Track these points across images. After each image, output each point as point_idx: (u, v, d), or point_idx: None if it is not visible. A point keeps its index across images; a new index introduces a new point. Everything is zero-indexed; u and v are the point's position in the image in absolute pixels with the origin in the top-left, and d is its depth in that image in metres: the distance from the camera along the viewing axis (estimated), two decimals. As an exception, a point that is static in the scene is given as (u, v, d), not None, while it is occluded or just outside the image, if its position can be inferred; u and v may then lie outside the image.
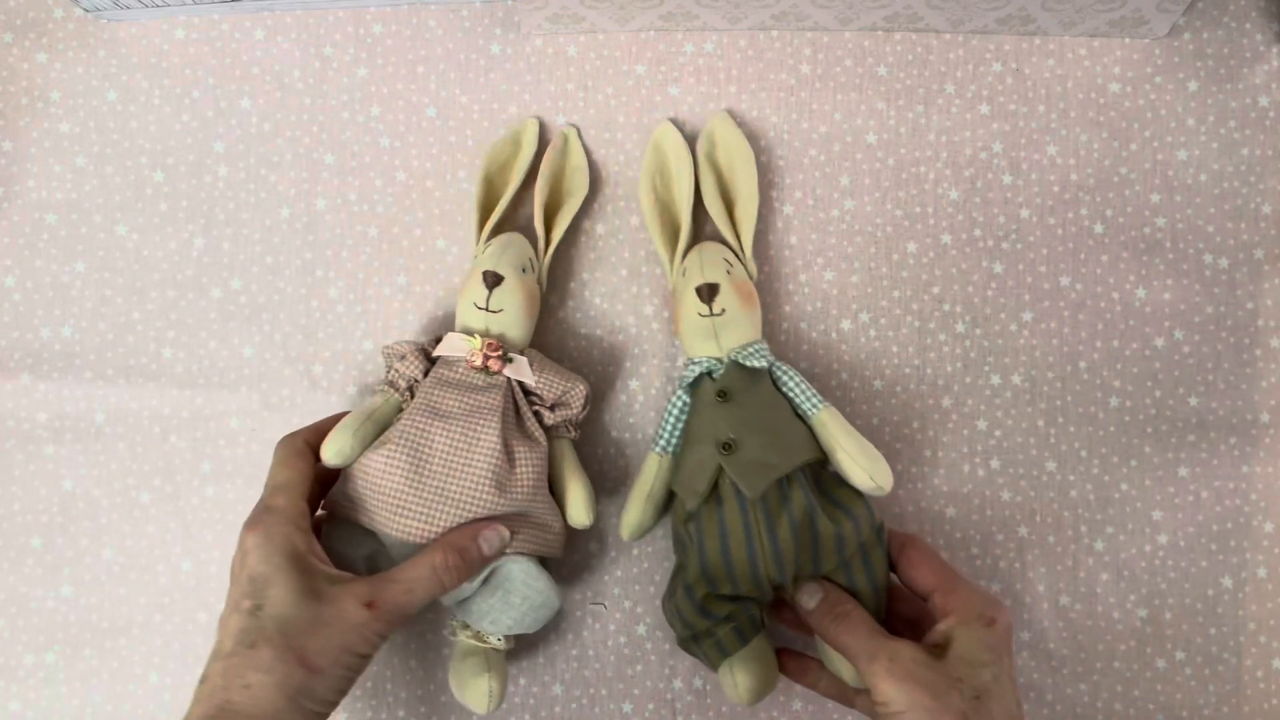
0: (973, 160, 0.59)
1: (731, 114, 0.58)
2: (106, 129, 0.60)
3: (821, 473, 0.51)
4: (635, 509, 0.53)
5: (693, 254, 0.54)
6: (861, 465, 0.49)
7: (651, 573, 0.57)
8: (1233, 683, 0.56)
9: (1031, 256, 0.58)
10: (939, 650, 0.45)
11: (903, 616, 0.51)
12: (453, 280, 0.59)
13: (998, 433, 0.57)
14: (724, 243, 0.56)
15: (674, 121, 0.58)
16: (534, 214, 0.55)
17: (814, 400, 0.51)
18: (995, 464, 0.57)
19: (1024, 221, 0.59)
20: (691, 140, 0.58)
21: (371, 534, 0.50)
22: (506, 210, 0.56)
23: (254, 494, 0.57)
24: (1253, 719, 0.56)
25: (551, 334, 0.58)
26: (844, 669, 0.50)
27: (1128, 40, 0.59)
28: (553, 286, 0.58)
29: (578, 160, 0.58)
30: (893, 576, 0.51)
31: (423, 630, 0.57)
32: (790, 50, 0.60)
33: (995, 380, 0.58)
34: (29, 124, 0.60)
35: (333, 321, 0.58)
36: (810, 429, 0.51)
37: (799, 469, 0.49)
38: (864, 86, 0.59)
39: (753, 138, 0.59)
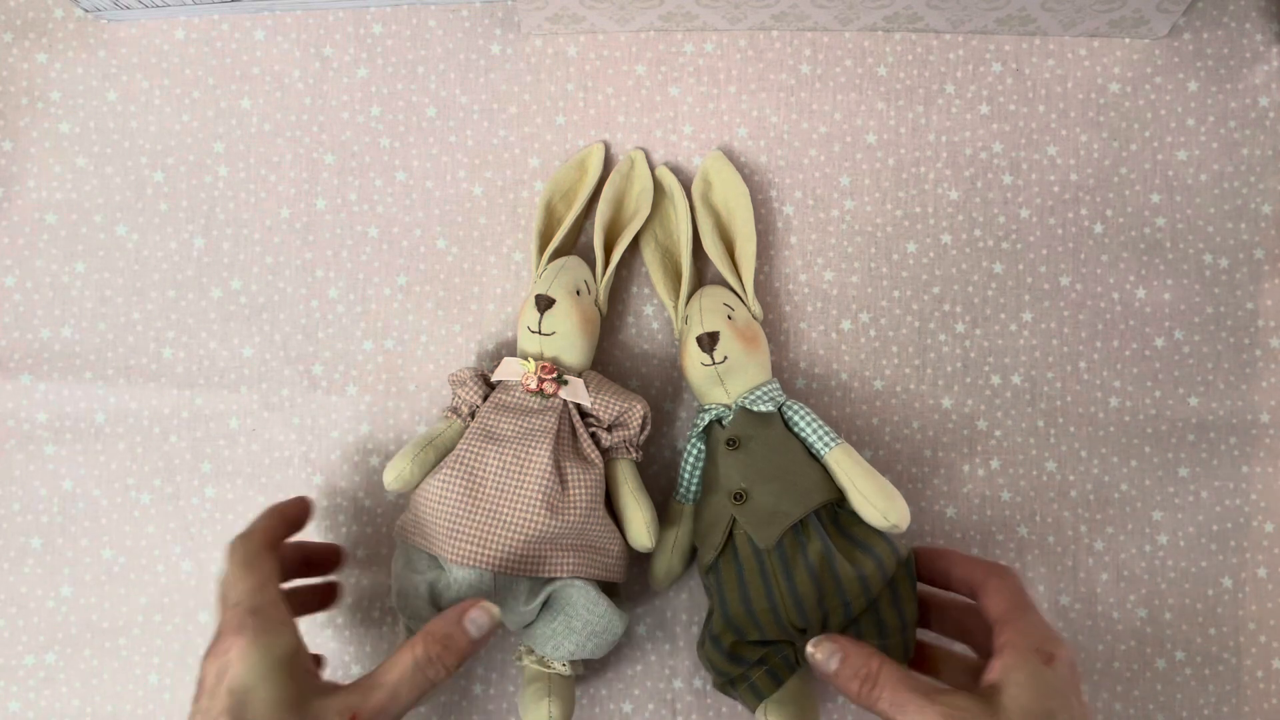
0: (973, 160, 0.59)
1: (725, 151, 0.58)
2: (106, 129, 0.60)
3: (839, 511, 0.50)
4: (662, 559, 0.53)
5: (694, 301, 0.54)
6: (875, 505, 0.49)
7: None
8: (1233, 683, 0.56)
9: (1031, 256, 0.58)
10: (993, 691, 0.39)
11: (962, 665, 0.47)
12: (453, 280, 0.59)
13: (998, 433, 0.57)
14: (727, 285, 0.55)
15: (668, 164, 0.58)
16: (594, 236, 0.55)
17: (826, 439, 0.51)
18: (995, 464, 0.57)
19: (1024, 221, 0.59)
20: (685, 182, 0.57)
21: (434, 559, 0.50)
22: (571, 233, 0.56)
23: (254, 494, 0.57)
24: (1253, 719, 0.56)
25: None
26: None
27: (1128, 40, 0.59)
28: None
29: (643, 183, 0.57)
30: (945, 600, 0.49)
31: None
32: (790, 50, 0.60)
33: (995, 380, 0.58)
34: (29, 124, 0.60)
35: (333, 321, 0.58)
36: (824, 468, 0.51)
37: (814, 512, 0.49)
38: (864, 86, 0.59)
39: (752, 137, 0.59)
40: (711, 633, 0.50)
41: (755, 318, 0.54)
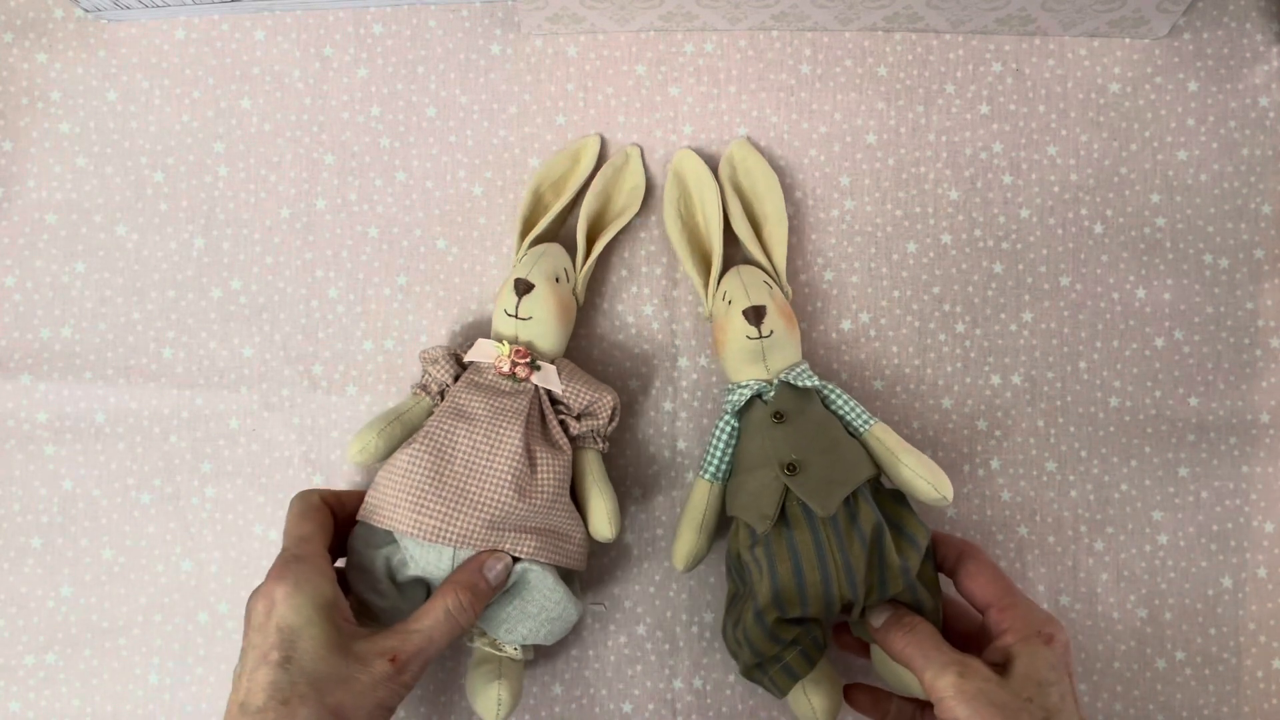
0: (973, 160, 0.59)
1: (770, 124, 0.58)
2: (106, 129, 0.60)
3: (879, 489, 0.51)
4: (688, 539, 0.53)
5: (731, 278, 0.54)
6: (925, 478, 0.49)
7: (651, 573, 0.57)
8: (1233, 683, 0.56)
9: (1031, 256, 0.58)
10: (1001, 669, 0.44)
11: (957, 631, 0.50)
12: (453, 280, 0.59)
13: (998, 433, 0.57)
14: (755, 265, 0.55)
15: (693, 148, 0.58)
16: (578, 226, 0.55)
17: (865, 416, 0.51)
18: (995, 464, 0.57)
19: (1024, 221, 0.59)
20: (711, 162, 0.58)
21: (390, 536, 0.49)
22: (555, 222, 0.56)
23: (254, 494, 0.57)
24: (1253, 719, 0.56)
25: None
26: (910, 682, 0.49)
27: (1128, 40, 0.59)
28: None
29: (635, 180, 0.58)
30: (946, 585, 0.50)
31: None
32: (790, 50, 0.60)
33: (995, 380, 0.58)
34: (29, 124, 0.60)
35: (333, 321, 0.58)
36: (864, 445, 0.51)
37: (862, 485, 0.49)
38: (864, 86, 0.59)
39: (752, 138, 0.59)
40: (755, 609, 0.48)
41: (786, 298, 0.55)
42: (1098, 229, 0.59)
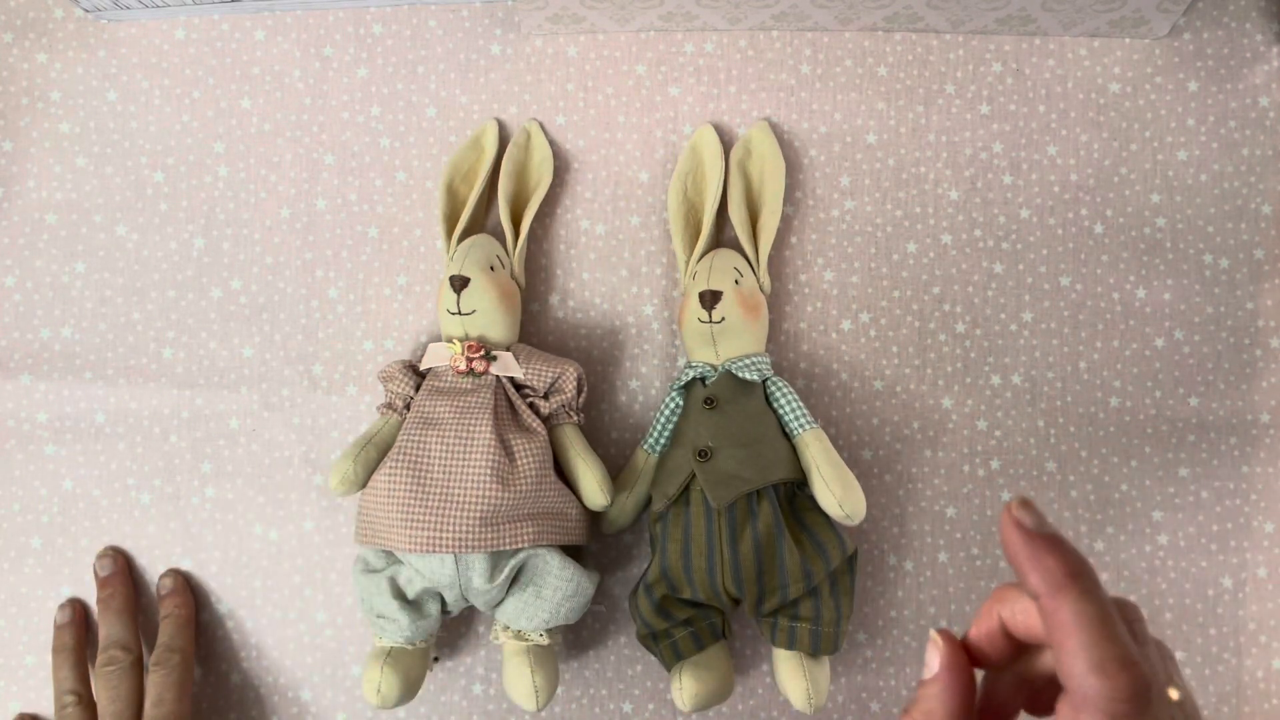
0: (973, 160, 0.59)
1: (772, 124, 0.58)
2: (106, 129, 0.60)
3: (797, 494, 0.51)
4: (616, 501, 0.54)
5: (706, 259, 0.54)
6: (834, 492, 0.49)
7: (651, 573, 0.57)
8: (1233, 683, 0.56)
9: (1031, 256, 0.58)
10: None
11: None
12: (453, 280, 0.59)
13: (998, 433, 0.57)
14: (742, 251, 0.55)
15: (714, 124, 0.58)
16: (500, 210, 0.55)
17: (803, 420, 0.52)
18: (995, 464, 0.57)
19: (1024, 221, 0.59)
20: (727, 145, 0.58)
21: (391, 555, 0.50)
22: (478, 212, 0.57)
23: (254, 494, 0.57)
24: (1253, 719, 0.56)
25: (551, 334, 0.58)
26: (793, 693, 0.49)
27: (1128, 40, 0.59)
28: (553, 286, 0.58)
29: (542, 154, 0.58)
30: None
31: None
32: (790, 50, 0.60)
33: (995, 380, 0.58)
34: (29, 124, 0.60)
35: (333, 321, 0.58)
36: (794, 448, 0.51)
37: (773, 487, 0.49)
38: (864, 86, 0.59)
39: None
40: (645, 581, 0.50)
41: (762, 290, 0.55)
42: (1098, 229, 0.59)
